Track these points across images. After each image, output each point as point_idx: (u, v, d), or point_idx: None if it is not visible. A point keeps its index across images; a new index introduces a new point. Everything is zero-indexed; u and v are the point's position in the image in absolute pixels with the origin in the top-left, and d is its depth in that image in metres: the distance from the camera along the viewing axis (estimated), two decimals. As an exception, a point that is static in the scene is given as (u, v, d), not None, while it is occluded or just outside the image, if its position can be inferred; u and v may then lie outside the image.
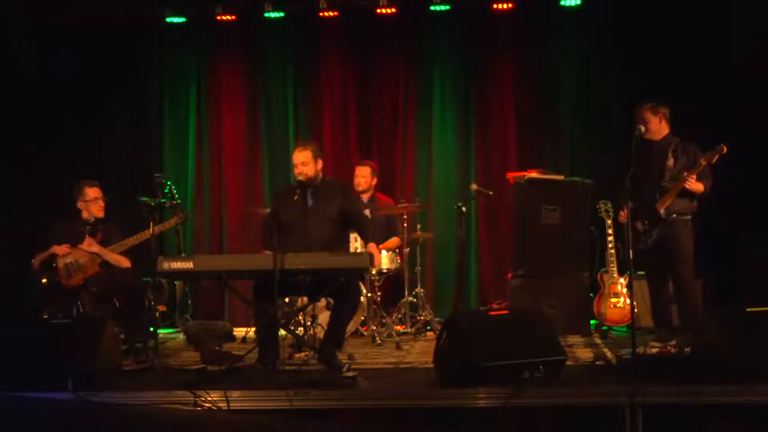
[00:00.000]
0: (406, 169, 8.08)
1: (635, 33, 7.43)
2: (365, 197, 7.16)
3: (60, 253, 6.01)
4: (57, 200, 6.63)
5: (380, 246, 6.80)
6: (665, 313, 5.97)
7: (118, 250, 6.17)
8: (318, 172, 5.52)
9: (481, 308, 7.51)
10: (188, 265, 5.03)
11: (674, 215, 5.72)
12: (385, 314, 6.71)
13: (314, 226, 5.39)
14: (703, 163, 5.61)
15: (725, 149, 5.55)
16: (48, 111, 7.70)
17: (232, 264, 5.20)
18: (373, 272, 6.52)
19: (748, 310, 4.82)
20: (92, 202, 6.25)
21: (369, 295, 6.51)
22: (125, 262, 6.20)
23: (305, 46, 8.18)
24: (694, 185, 5.64)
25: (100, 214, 6.27)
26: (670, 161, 5.78)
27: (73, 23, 7.75)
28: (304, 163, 5.47)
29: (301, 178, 5.46)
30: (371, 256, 5.21)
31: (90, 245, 6.12)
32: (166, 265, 4.99)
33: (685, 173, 5.64)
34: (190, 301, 7.64)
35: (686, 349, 5.45)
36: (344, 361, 5.35)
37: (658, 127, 5.82)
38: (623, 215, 5.76)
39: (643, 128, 5.68)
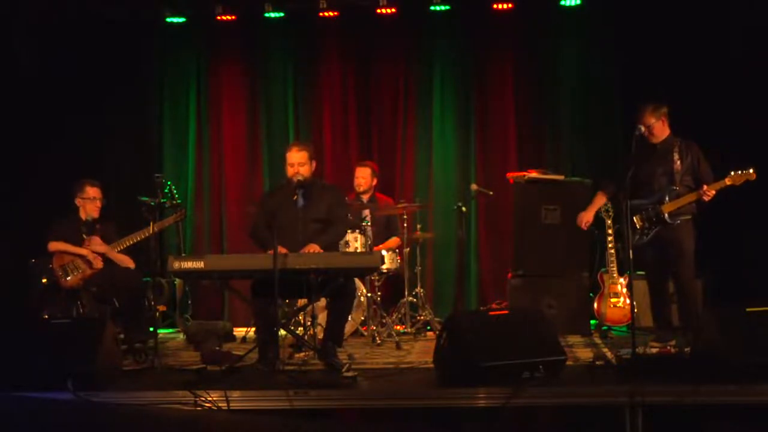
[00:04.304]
0: (406, 169, 8.08)
1: (635, 33, 7.42)
2: (365, 197, 7.16)
3: (90, 258, 6.09)
4: (57, 200, 6.63)
5: (380, 246, 6.83)
6: (665, 313, 5.98)
7: (116, 249, 6.18)
8: (312, 173, 5.58)
9: (481, 308, 7.51)
10: (199, 264, 5.03)
11: (677, 218, 5.74)
12: (385, 314, 6.71)
13: (306, 227, 5.47)
14: (728, 182, 5.61)
15: (754, 176, 5.56)
16: (48, 111, 7.70)
17: (243, 263, 5.20)
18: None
19: (748, 310, 4.81)
20: (90, 201, 6.27)
21: (369, 295, 6.51)
22: (129, 262, 6.21)
23: (305, 46, 8.18)
24: (711, 196, 5.66)
25: (95, 215, 6.29)
26: (677, 164, 5.78)
27: (73, 23, 7.75)
28: (301, 163, 5.53)
29: (298, 178, 5.50)
30: (382, 256, 5.41)
31: (97, 245, 6.12)
32: (177, 265, 5.00)
33: (705, 187, 5.64)
34: (190, 301, 7.63)
35: (686, 349, 5.45)
36: (344, 361, 5.36)
37: (661, 129, 5.83)
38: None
39: (643, 128, 5.69)
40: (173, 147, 8.30)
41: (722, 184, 5.64)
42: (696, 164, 5.77)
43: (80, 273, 6.09)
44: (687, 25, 7.17)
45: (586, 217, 6.15)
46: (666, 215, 5.73)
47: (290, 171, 5.56)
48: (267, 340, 5.24)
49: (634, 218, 5.76)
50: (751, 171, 5.59)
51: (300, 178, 5.50)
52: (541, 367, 4.64)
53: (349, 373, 4.97)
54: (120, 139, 8.16)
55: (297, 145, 5.67)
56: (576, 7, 7.59)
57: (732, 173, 5.62)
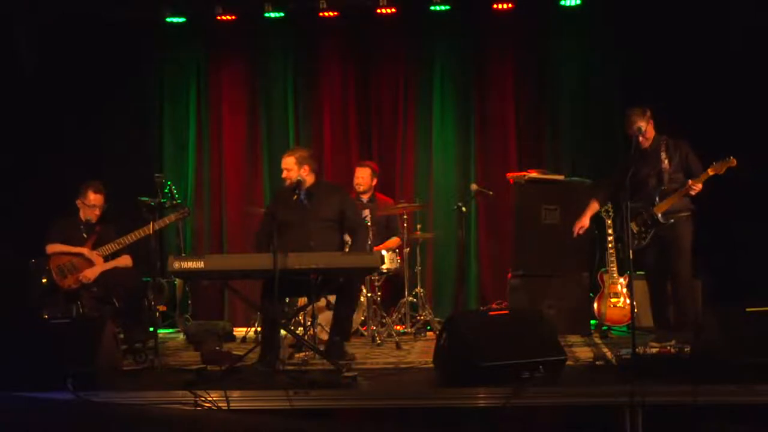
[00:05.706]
0: (406, 169, 8.08)
1: (635, 33, 7.42)
2: (365, 198, 7.16)
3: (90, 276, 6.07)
4: (57, 200, 6.63)
5: (380, 246, 6.82)
6: (665, 313, 5.99)
7: (115, 248, 6.17)
8: (304, 176, 5.66)
9: (481, 308, 7.51)
10: (199, 264, 5.05)
11: (671, 216, 5.75)
12: (385, 314, 6.71)
13: (310, 226, 5.53)
14: (710, 173, 5.64)
15: (734, 162, 5.58)
16: (48, 111, 7.70)
17: (243, 263, 5.21)
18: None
19: (748, 310, 4.82)
20: (89, 208, 6.28)
21: (369, 295, 6.51)
22: (126, 261, 6.22)
23: (305, 46, 8.18)
24: (698, 189, 5.67)
25: (92, 220, 6.29)
26: (665, 163, 5.81)
27: (73, 23, 7.75)
28: (288, 168, 5.69)
29: (287, 182, 5.67)
30: (382, 256, 5.52)
31: (91, 273, 6.10)
32: (177, 265, 5.02)
33: (690, 182, 5.68)
34: (190, 301, 7.63)
35: (686, 349, 5.45)
36: (344, 361, 5.36)
37: (651, 131, 5.87)
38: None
39: (642, 128, 5.71)
40: (173, 147, 8.30)
41: (705, 176, 5.68)
42: (685, 161, 5.80)
43: (77, 273, 6.08)
44: (687, 25, 7.16)
45: (581, 223, 6.19)
46: (659, 216, 5.75)
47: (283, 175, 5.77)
48: (272, 340, 5.25)
49: (631, 224, 5.77)
50: (731, 158, 5.61)
51: (289, 182, 5.66)
52: (541, 367, 4.64)
53: (349, 373, 4.97)
54: (120, 139, 8.15)
55: (287, 151, 5.85)
56: (576, 7, 7.58)
57: (714, 163, 5.65)
